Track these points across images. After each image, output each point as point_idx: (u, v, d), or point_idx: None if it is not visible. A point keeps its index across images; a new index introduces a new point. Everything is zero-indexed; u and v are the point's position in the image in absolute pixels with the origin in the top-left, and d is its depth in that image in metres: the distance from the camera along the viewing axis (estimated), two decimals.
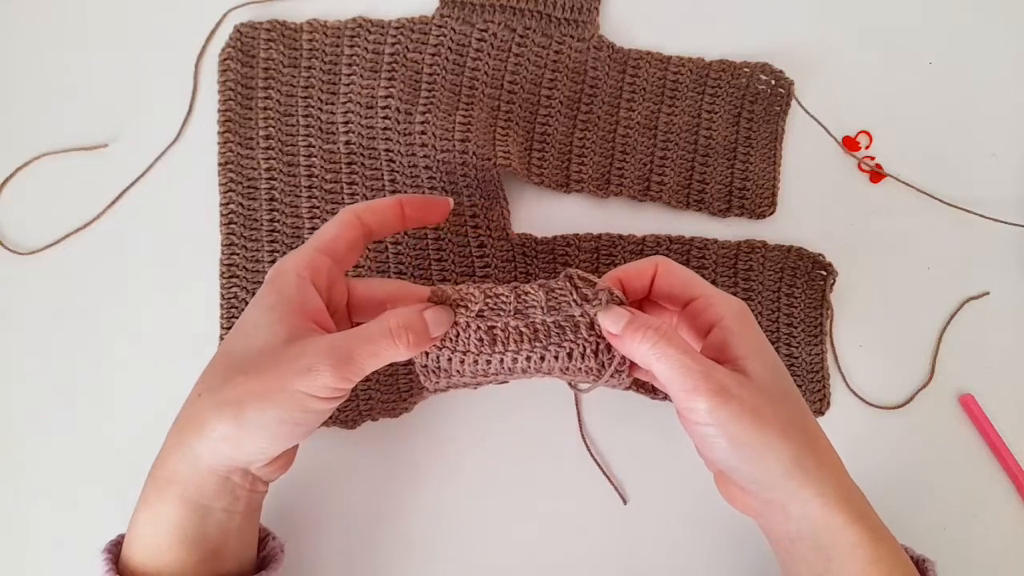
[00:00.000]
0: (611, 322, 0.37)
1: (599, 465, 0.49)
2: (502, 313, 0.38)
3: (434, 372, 0.40)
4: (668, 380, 0.36)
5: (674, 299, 0.40)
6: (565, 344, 0.38)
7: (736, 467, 0.36)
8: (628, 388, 0.41)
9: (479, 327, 0.38)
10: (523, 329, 0.38)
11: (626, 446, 0.50)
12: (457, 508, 0.49)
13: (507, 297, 0.39)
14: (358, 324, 0.38)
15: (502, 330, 0.38)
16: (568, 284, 0.39)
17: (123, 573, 0.36)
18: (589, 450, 0.50)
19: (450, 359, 0.39)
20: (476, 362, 0.39)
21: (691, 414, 0.36)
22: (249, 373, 0.35)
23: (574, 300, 0.38)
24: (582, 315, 0.38)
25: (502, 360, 0.39)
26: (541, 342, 0.38)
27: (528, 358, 0.38)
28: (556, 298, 0.39)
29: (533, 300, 0.39)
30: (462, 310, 0.38)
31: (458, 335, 0.38)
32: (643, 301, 0.42)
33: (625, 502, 0.49)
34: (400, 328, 0.36)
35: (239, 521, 0.37)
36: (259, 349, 0.35)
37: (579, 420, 0.50)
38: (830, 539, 0.35)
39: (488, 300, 0.39)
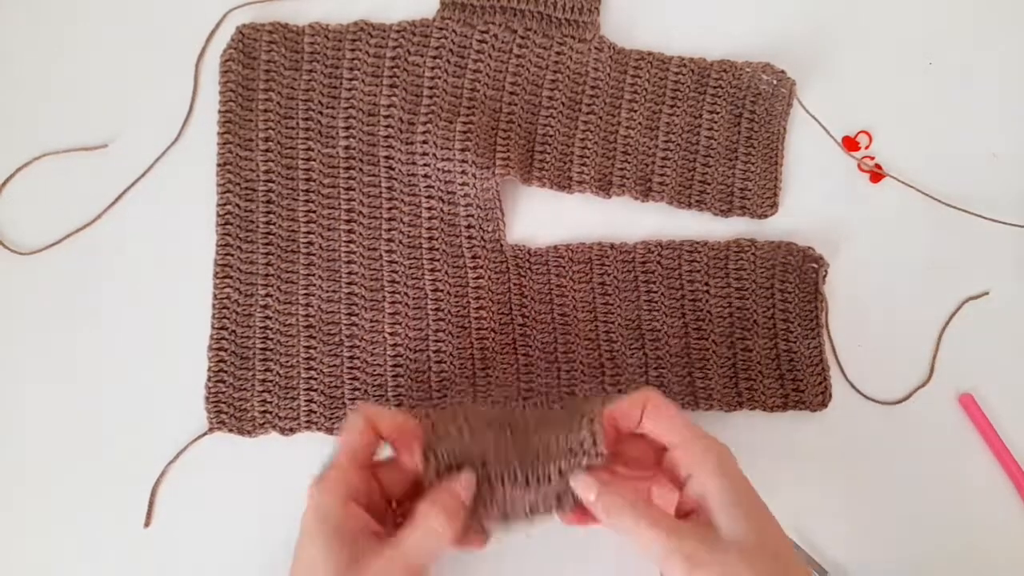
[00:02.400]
0: (583, 489, 0.38)
1: None
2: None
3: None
4: (640, 550, 0.37)
5: (657, 442, 0.40)
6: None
7: None
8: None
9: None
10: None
11: None
12: None
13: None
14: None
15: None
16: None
17: None
18: None
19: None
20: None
21: (668, 573, 0.36)
22: None
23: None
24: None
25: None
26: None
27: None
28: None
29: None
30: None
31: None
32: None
33: None
34: (435, 513, 0.37)
35: None
36: None
37: None
38: None
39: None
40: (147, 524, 0.48)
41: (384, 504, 0.41)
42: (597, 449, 0.39)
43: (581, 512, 0.40)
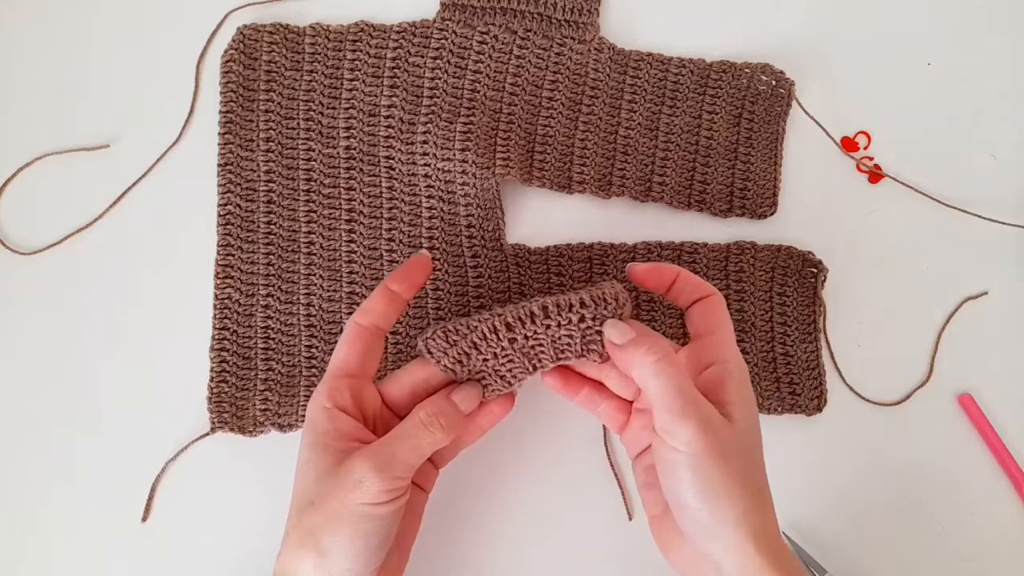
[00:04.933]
0: (617, 334, 0.39)
1: (616, 475, 0.49)
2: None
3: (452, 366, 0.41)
4: (658, 397, 0.36)
5: (699, 328, 0.41)
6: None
7: (688, 504, 0.36)
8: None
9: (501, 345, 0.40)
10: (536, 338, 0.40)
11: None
12: (461, 506, 0.49)
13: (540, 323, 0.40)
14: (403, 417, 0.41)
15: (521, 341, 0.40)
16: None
17: None
18: (609, 458, 0.50)
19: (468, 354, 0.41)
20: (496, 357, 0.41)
21: (670, 437, 0.36)
22: (315, 503, 0.37)
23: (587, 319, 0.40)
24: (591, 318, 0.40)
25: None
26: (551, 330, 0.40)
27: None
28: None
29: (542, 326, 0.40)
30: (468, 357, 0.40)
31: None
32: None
33: (630, 518, 0.49)
34: (431, 417, 0.39)
35: None
36: (315, 480, 0.37)
37: (604, 429, 0.50)
38: None
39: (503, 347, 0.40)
40: (144, 518, 0.48)
41: (390, 421, 0.42)
42: (619, 300, 0.40)
43: (564, 380, 0.42)
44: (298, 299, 0.50)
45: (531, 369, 0.41)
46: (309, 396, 0.49)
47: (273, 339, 0.50)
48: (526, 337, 0.40)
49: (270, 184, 0.51)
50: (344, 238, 0.51)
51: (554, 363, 0.41)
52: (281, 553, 0.38)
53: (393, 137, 0.52)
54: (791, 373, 0.51)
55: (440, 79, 0.52)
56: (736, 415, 0.37)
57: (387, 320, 0.42)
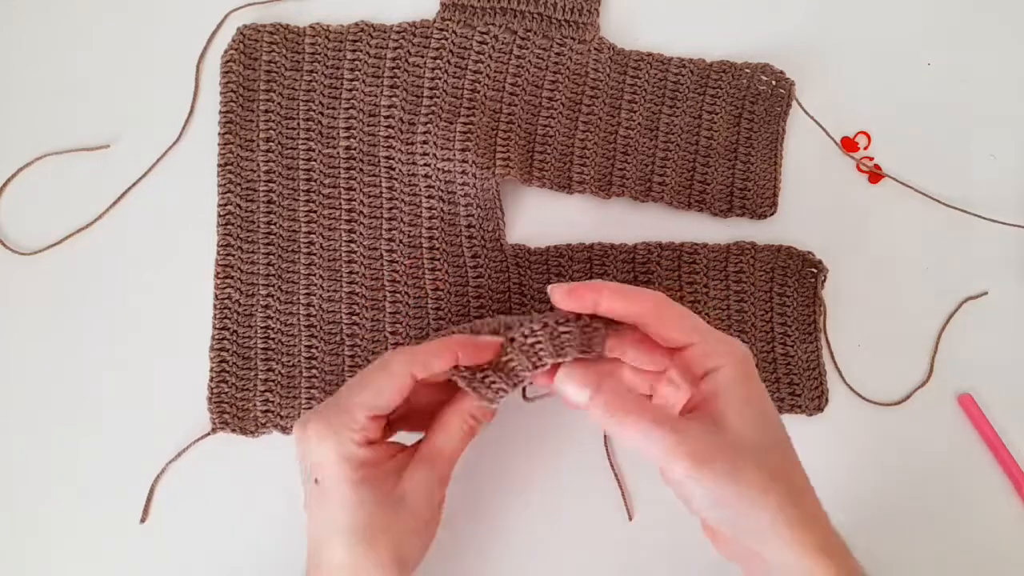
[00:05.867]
0: (575, 391, 0.38)
1: (616, 476, 0.49)
2: (525, 369, 0.41)
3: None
4: (639, 449, 0.36)
5: (670, 342, 0.39)
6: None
7: (716, 519, 0.37)
8: None
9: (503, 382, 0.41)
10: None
11: (636, 462, 0.50)
12: (461, 505, 0.49)
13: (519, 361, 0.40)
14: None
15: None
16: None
17: None
18: (610, 459, 0.50)
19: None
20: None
21: (669, 473, 0.36)
22: (386, 529, 0.38)
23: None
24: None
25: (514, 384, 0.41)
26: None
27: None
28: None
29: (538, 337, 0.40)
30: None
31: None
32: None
33: (630, 518, 0.49)
34: (469, 427, 0.40)
35: None
36: (372, 510, 0.38)
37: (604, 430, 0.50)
38: None
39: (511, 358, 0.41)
40: (143, 519, 0.48)
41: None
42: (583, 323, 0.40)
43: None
44: (298, 299, 0.50)
45: (531, 367, 0.41)
46: (310, 397, 0.49)
47: (273, 339, 0.50)
48: (524, 336, 0.40)
49: (270, 184, 0.51)
50: (344, 238, 0.51)
51: (554, 359, 0.41)
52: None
53: (393, 137, 0.52)
54: (791, 373, 0.51)
55: (440, 79, 0.52)
56: (732, 423, 0.36)
57: (430, 379, 0.41)
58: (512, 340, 0.40)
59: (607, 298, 0.38)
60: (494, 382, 0.41)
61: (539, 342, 0.40)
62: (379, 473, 0.38)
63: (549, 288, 0.40)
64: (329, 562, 0.37)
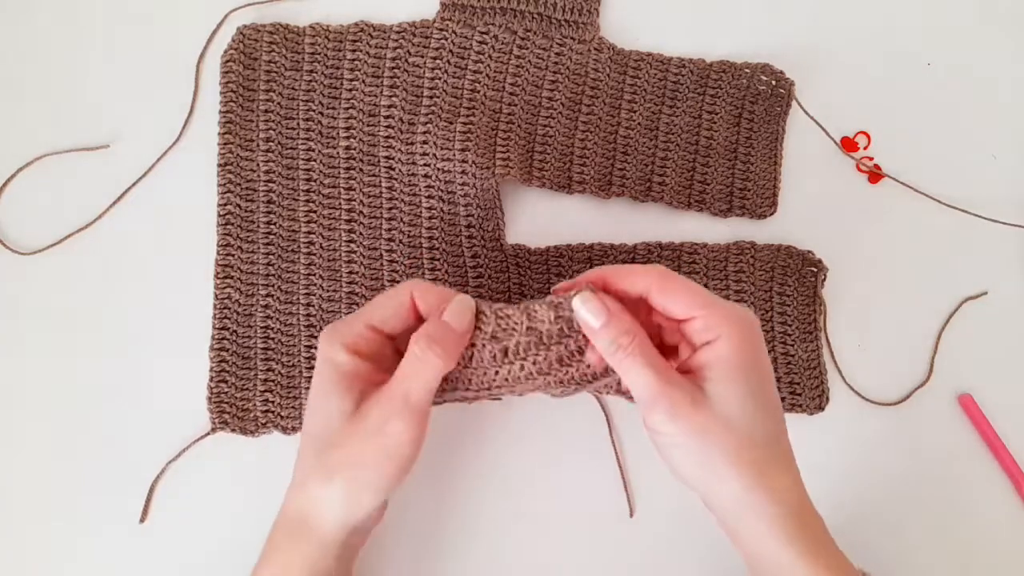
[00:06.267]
0: (593, 314, 0.38)
1: (621, 472, 0.49)
2: (514, 333, 0.39)
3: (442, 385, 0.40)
4: (630, 386, 0.37)
5: (674, 316, 0.39)
6: (565, 341, 0.39)
7: (692, 484, 0.37)
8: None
9: (492, 348, 0.39)
10: (532, 343, 0.39)
11: (638, 458, 0.50)
12: (462, 502, 0.49)
13: (518, 319, 0.39)
14: None
15: (513, 347, 0.39)
16: (564, 300, 0.39)
17: None
18: (617, 456, 0.50)
19: (458, 376, 0.40)
20: (485, 373, 0.40)
21: (650, 423, 0.37)
22: (337, 444, 0.38)
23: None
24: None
25: (509, 371, 0.39)
26: (547, 347, 0.39)
27: (534, 362, 0.39)
28: (562, 315, 0.39)
29: (542, 317, 0.39)
30: (477, 331, 0.39)
31: (472, 356, 0.39)
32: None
33: (632, 514, 0.49)
34: (426, 349, 0.38)
35: (346, 569, 0.41)
36: (338, 424, 0.38)
37: (608, 425, 0.50)
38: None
39: (500, 321, 0.39)
40: (142, 519, 0.48)
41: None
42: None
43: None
44: (298, 299, 0.50)
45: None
46: None
47: (273, 339, 0.50)
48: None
49: (270, 184, 0.51)
50: (344, 238, 0.51)
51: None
52: (300, 490, 0.39)
53: (393, 137, 0.52)
54: (792, 373, 0.51)
55: (440, 79, 0.52)
56: (715, 392, 0.36)
57: (433, 311, 0.40)
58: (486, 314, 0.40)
59: (611, 283, 0.39)
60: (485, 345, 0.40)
61: (512, 316, 0.40)
62: (355, 386, 0.38)
63: (552, 290, 0.40)
64: (303, 455, 0.40)
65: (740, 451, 0.36)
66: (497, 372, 0.39)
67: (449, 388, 0.40)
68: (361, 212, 0.51)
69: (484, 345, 0.39)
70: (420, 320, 0.40)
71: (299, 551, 0.38)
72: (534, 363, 0.39)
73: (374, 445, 0.37)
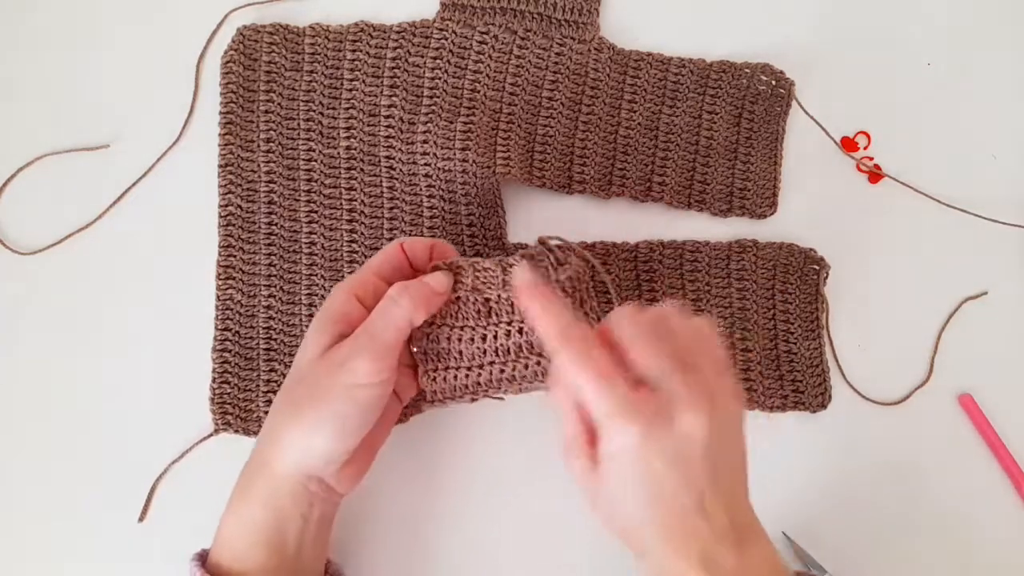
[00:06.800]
0: (519, 280, 0.39)
1: None
2: (493, 286, 0.41)
3: (432, 357, 0.42)
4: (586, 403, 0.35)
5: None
6: None
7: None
8: None
9: (475, 300, 0.41)
10: (513, 300, 0.41)
11: None
12: (461, 501, 0.49)
13: (494, 271, 0.41)
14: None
15: (496, 302, 0.41)
16: (543, 248, 0.41)
17: (212, 572, 0.39)
18: None
19: (448, 337, 0.42)
20: (473, 340, 0.41)
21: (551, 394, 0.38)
22: (304, 379, 0.39)
23: (551, 264, 0.41)
24: (557, 280, 0.40)
25: (496, 335, 0.41)
26: None
27: (520, 330, 0.41)
28: (536, 266, 0.40)
29: (515, 271, 0.40)
30: (459, 284, 0.41)
31: (458, 309, 0.41)
32: None
33: None
34: (399, 294, 0.39)
35: (314, 531, 0.40)
36: (309, 360, 0.40)
37: None
38: None
39: (477, 274, 0.41)
40: (141, 519, 0.48)
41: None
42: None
43: None
44: (300, 300, 0.50)
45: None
46: None
47: (275, 340, 0.50)
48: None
49: (271, 184, 0.51)
50: (346, 238, 0.51)
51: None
52: (270, 416, 0.41)
53: (393, 137, 0.52)
54: (795, 370, 0.51)
55: (440, 79, 0.52)
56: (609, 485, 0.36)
57: (420, 257, 0.43)
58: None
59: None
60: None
61: (489, 268, 0.41)
62: (339, 324, 0.40)
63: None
64: (280, 391, 0.42)
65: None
66: (484, 337, 0.41)
67: (442, 367, 0.42)
68: (363, 212, 0.51)
69: (468, 297, 0.41)
70: (416, 274, 0.42)
71: (255, 486, 0.39)
72: (520, 331, 0.41)
73: (336, 381, 0.38)
